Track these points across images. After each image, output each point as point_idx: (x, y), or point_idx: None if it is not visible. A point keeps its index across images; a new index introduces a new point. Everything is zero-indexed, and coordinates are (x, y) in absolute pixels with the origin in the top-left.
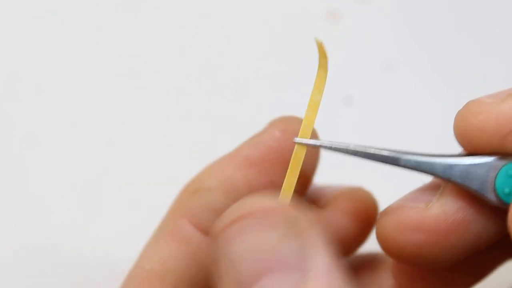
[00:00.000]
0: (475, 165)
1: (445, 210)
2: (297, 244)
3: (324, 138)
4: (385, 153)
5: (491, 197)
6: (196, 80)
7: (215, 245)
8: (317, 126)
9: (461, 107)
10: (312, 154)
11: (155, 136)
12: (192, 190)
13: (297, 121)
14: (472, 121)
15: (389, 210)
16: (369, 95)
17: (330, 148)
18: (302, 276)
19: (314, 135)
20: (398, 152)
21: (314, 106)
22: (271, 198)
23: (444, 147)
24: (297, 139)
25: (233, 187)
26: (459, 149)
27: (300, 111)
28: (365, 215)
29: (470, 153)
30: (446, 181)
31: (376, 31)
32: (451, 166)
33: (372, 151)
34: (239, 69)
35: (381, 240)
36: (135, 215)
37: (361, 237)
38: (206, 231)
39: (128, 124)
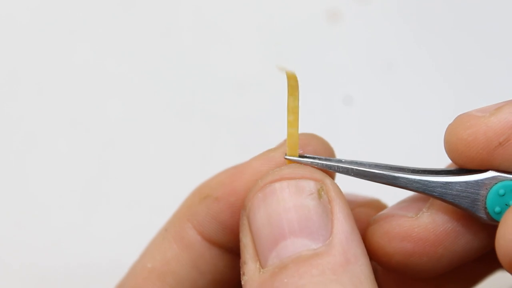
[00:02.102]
0: (466, 183)
1: (435, 220)
2: (322, 211)
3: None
4: (379, 173)
5: (482, 215)
6: (196, 80)
7: (243, 218)
8: (317, 126)
9: (451, 121)
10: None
11: (155, 136)
12: (201, 196)
13: (312, 138)
14: (462, 135)
15: (378, 219)
16: (369, 95)
17: (322, 166)
18: (322, 242)
19: (328, 151)
20: (391, 169)
21: (294, 110)
22: (299, 166)
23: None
24: (287, 157)
25: (239, 201)
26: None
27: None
28: None
29: (460, 168)
30: (439, 200)
31: (376, 31)
32: (445, 185)
33: (366, 169)
34: (239, 69)
35: (370, 248)
36: (135, 215)
37: None
38: (208, 239)
39: (128, 124)
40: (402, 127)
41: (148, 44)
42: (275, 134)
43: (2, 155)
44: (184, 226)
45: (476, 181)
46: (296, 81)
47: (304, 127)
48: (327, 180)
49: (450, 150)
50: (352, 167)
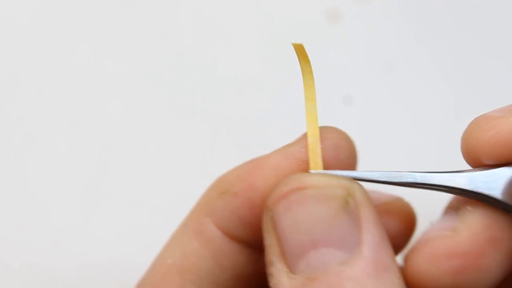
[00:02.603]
0: (494, 173)
1: (473, 231)
2: (350, 219)
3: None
4: (409, 179)
5: None
6: (196, 80)
7: (267, 217)
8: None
9: (467, 125)
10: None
11: (155, 136)
12: (220, 190)
13: (332, 131)
14: (484, 137)
15: (417, 246)
16: (369, 95)
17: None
18: (351, 251)
19: (349, 146)
20: (419, 173)
21: (312, 117)
22: (325, 173)
23: (444, 147)
24: (312, 171)
25: (257, 196)
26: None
27: (300, 111)
28: (409, 224)
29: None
30: (471, 195)
31: (376, 31)
32: (472, 179)
33: (396, 177)
34: (239, 69)
35: (414, 277)
36: (135, 215)
37: (402, 244)
38: (228, 234)
39: (128, 124)
40: (402, 127)
41: (148, 44)
42: (275, 134)
43: (2, 155)
44: (203, 221)
45: (504, 173)
46: (310, 65)
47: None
48: (355, 186)
49: (470, 152)
50: (379, 175)
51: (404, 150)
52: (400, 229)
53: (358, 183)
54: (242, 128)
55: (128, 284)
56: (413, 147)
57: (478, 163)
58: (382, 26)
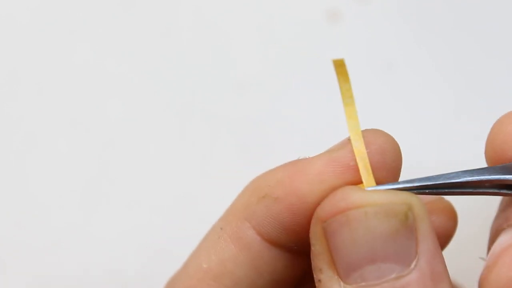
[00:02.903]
0: None
1: None
2: (408, 233)
3: (325, 138)
4: (465, 181)
5: None
6: (196, 80)
7: (318, 227)
8: (318, 126)
9: (493, 124)
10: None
11: (155, 136)
12: (260, 195)
13: (379, 135)
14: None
15: (493, 260)
16: (369, 95)
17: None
18: (408, 264)
19: (395, 150)
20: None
21: (357, 136)
22: (382, 189)
23: (444, 147)
24: (369, 189)
25: (300, 202)
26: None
27: (300, 111)
28: (451, 223)
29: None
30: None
31: (376, 31)
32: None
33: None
34: (239, 69)
35: None
36: (135, 215)
37: (443, 243)
38: (268, 239)
39: (128, 124)
40: (402, 127)
41: (148, 44)
42: (275, 134)
43: (2, 155)
44: (242, 226)
45: None
46: (349, 83)
47: (304, 128)
48: (414, 199)
49: (497, 146)
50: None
51: (403, 150)
52: (443, 228)
53: (416, 195)
54: (242, 128)
55: (128, 284)
56: (413, 147)
57: (502, 158)
58: (382, 26)
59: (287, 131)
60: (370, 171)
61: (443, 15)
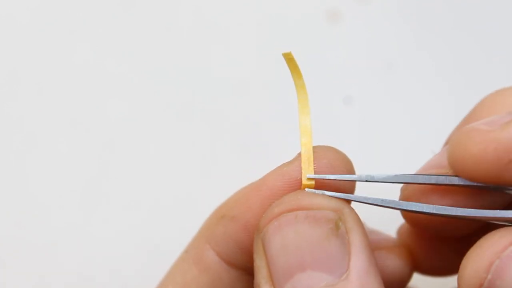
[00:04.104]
0: None
1: None
2: (339, 243)
3: (324, 138)
4: (403, 206)
5: None
6: (196, 80)
7: (257, 240)
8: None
9: (455, 135)
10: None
11: (155, 136)
12: (218, 216)
13: (327, 151)
14: (471, 150)
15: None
16: (369, 95)
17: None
18: (338, 276)
19: (346, 166)
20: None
21: (306, 132)
22: (317, 194)
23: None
24: (309, 175)
25: (255, 219)
26: None
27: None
28: (408, 268)
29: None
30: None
31: (376, 31)
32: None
33: (389, 202)
34: (239, 69)
35: (461, 163)
36: (135, 215)
37: (403, 284)
38: (227, 260)
39: (128, 124)
40: (402, 127)
41: (148, 44)
42: (275, 134)
43: (2, 155)
44: (203, 248)
45: None
46: (302, 77)
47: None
48: (346, 209)
49: (456, 164)
50: (373, 199)
51: (404, 150)
52: (399, 272)
53: (350, 206)
54: (242, 128)
55: (127, 284)
56: (413, 147)
57: (464, 174)
58: (382, 26)
59: (287, 131)
60: (312, 162)
61: (443, 15)
